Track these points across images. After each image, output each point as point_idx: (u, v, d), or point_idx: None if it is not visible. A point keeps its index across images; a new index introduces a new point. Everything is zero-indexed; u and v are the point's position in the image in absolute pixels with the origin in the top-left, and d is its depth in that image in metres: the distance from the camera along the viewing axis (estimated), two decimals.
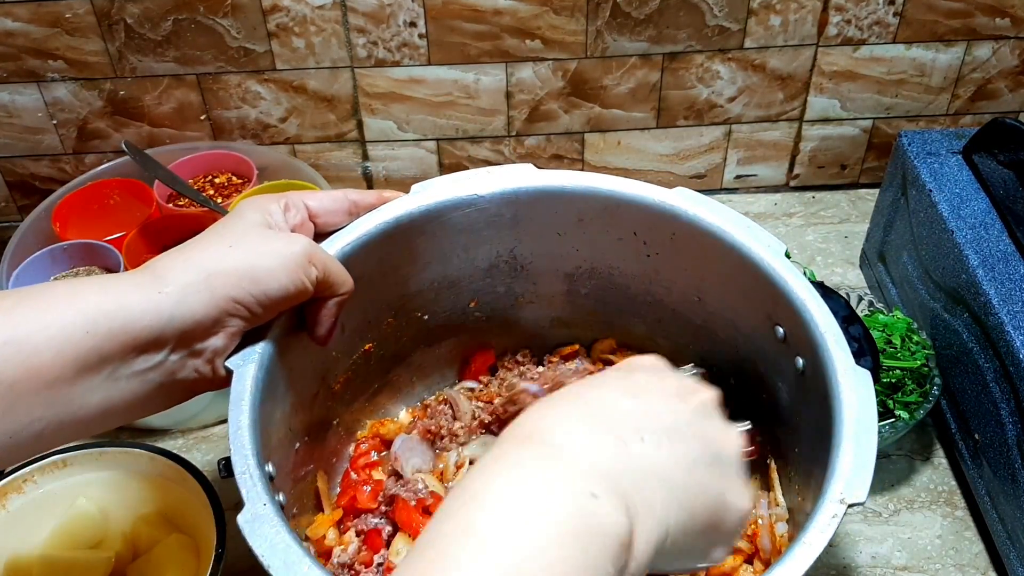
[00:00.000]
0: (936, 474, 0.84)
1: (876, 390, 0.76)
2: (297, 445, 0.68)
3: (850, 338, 0.60)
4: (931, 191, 0.84)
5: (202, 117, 1.02)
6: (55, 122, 1.02)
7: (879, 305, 0.87)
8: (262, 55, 0.98)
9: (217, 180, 0.99)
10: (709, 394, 0.50)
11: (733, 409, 0.75)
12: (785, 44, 1.00)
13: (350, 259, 0.66)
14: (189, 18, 0.95)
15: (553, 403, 0.46)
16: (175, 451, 0.74)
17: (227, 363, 0.58)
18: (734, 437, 0.49)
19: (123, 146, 0.93)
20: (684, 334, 0.77)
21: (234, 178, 0.99)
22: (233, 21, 0.95)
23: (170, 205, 0.95)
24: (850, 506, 0.51)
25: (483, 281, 0.78)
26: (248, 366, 0.58)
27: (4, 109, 1.00)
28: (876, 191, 0.99)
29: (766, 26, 0.99)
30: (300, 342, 0.64)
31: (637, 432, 0.44)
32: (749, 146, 1.09)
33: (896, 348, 0.81)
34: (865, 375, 0.57)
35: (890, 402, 0.78)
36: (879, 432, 0.76)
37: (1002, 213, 0.81)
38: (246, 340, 0.59)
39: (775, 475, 0.73)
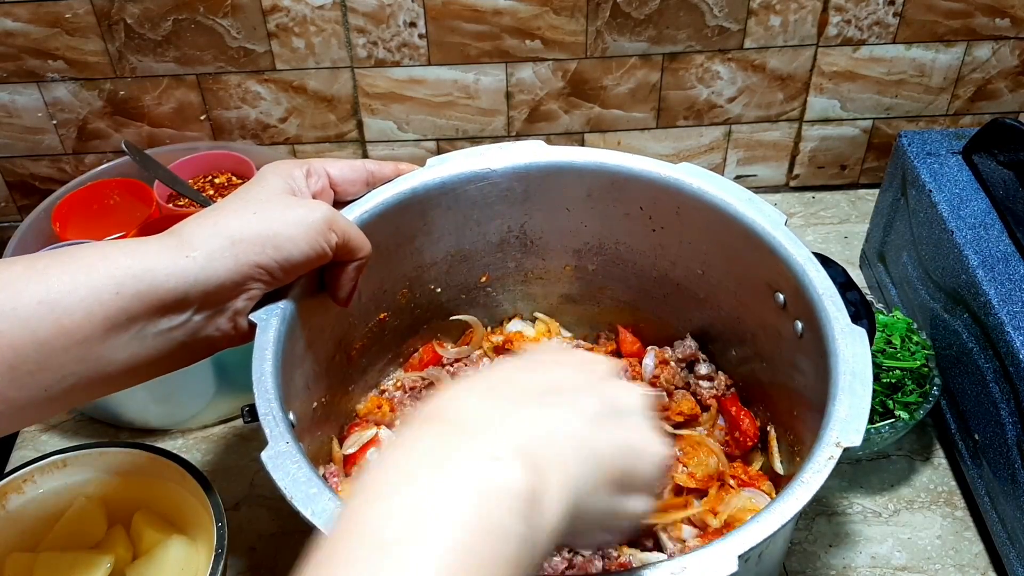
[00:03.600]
0: (936, 474, 0.84)
1: (876, 390, 0.77)
2: (315, 404, 0.70)
3: (847, 302, 0.62)
4: (931, 191, 0.84)
5: (202, 117, 1.03)
6: (55, 122, 1.02)
7: (879, 305, 0.87)
8: (262, 55, 0.98)
9: (217, 180, 0.99)
10: (609, 364, 0.51)
11: (735, 383, 0.77)
12: (785, 44, 1.00)
13: (367, 227, 0.67)
14: (189, 18, 0.95)
15: (456, 384, 0.46)
16: (175, 451, 0.74)
17: (251, 317, 0.60)
18: (637, 392, 0.49)
19: (123, 146, 0.93)
20: (688, 308, 0.79)
21: (234, 178, 0.99)
22: (233, 21, 0.95)
23: (170, 205, 0.95)
24: (845, 449, 0.53)
25: (494, 256, 0.80)
26: (271, 319, 0.61)
27: (4, 109, 1.00)
28: (876, 191, 0.99)
29: (766, 26, 0.99)
30: (320, 304, 0.66)
31: (537, 398, 0.45)
32: (749, 146, 1.09)
33: (896, 348, 0.81)
34: (861, 333, 0.60)
35: (890, 402, 0.78)
36: (879, 432, 0.77)
37: (1002, 213, 0.81)
38: (268, 297, 0.61)
39: (774, 442, 0.74)
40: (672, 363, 0.79)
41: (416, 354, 0.83)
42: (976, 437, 0.78)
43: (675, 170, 0.71)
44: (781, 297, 0.67)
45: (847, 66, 1.02)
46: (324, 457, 0.75)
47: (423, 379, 0.81)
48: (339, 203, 0.68)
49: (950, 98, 1.06)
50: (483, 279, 0.81)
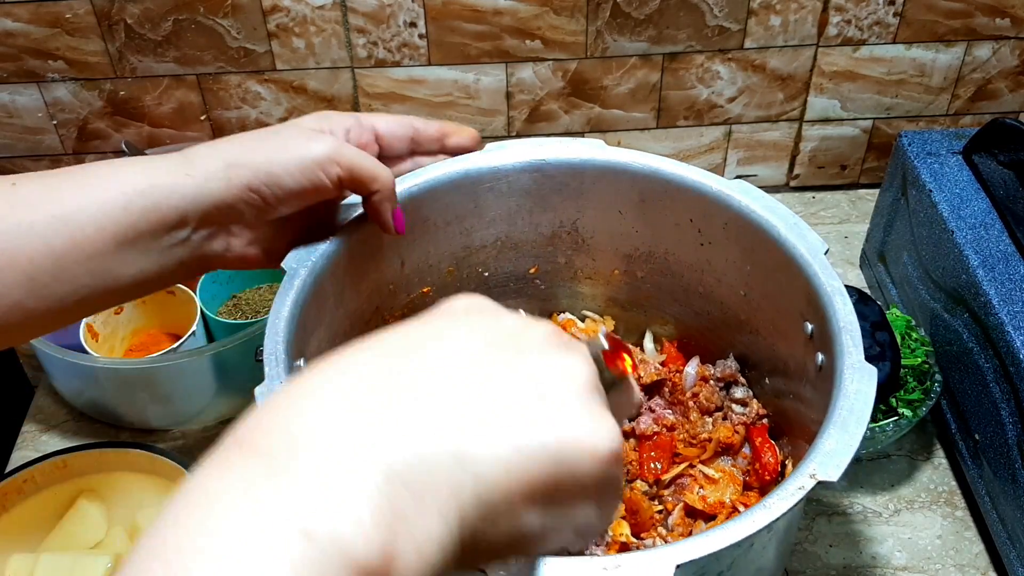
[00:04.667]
0: (936, 474, 0.84)
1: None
2: None
3: (875, 342, 0.60)
4: (931, 191, 0.84)
5: (202, 117, 1.03)
6: (55, 122, 1.02)
7: (877, 303, 0.87)
8: (262, 55, 0.98)
9: None
10: (540, 330, 0.40)
11: (768, 414, 0.76)
12: (785, 44, 1.00)
13: (416, 199, 0.69)
14: (189, 18, 0.95)
15: (301, 380, 0.35)
16: (175, 451, 0.74)
17: (283, 264, 0.63)
18: (573, 363, 0.38)
19: (123, 146, 0.93)
20: (730, 329, 0.77)
21: None
22: (233, 21, 0.95)
23: None
24: (820, 483, 0.52)
25: (545, 248, 0.79)
26: (300, 269, 0.62)
27: (4, 109, 1.00)
28: (876, 191, 0.99)
29: (766, 26, 0.99)
30: (358, 265, 0.67)
31: (416, 391, 0.34)
32: (749, 146, 1.09)
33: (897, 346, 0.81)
34: (871, 371, 0.58)
35: (892, 400, 0.78)
36: (883, 431, 0.77)
37: (1002, 213, 0.81)
38: (306, 243, 0.64)
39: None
40: (711, 382, 0.77)
41: None
42: (976, 437, 0.78)
43: (727, 185, 0.70)
44: (810, 327, 0.66)
45: (847, 66, 1.02)
46: None
47: None
48: (385, 158, 0.68)
49: (950, 98, 1.06)
50: (532, 270, 0.81)
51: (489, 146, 0.73)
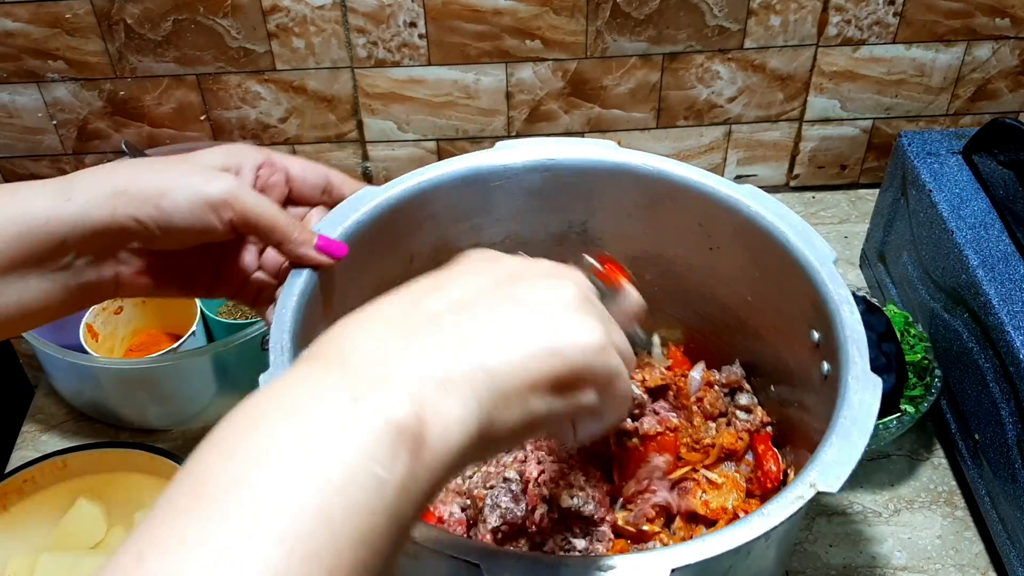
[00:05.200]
0: (936, 474, 0.84)
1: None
2: None
3: (881, 352, 0.60)
4: (931, 191, 0.84)
5: (202, 117, 1.03)
6: (55, 122, 1.02)
7: (873, 300, 0.86)
8: (262, 55, 0.98)
9: None
10: (535, 267, 0.49)
11: (772, 422, 0.76)
12: (785, 44, 1.00)
13: (426, 194, 0.69)
14: (189, 18, 0.95)
15: (354, 315, 0.44)
16: (175, 451, 0.74)
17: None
18: (561, 286, 0.46)
19: (123, 146, 0.93)
20: (734, 334, 0.77)
21: None
22: (233, 21, 0.95)
23: None
24: (819, 493, 0.51)
25: (555, 248, 0.78)
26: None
27: (4, 109, 1.00)
28: (876, 191, 0.99)
29: (766, 26, 0.99)
30: (364, 255, 0.67)
31: (440, 318, 0.43)
32: (749, 146, 1.09)
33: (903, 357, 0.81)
34: (876, 382, 0.58)
35: None
36: (887, 427, 0.77)
37: (1002, 213, 0.81)
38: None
39: None
40: (716, 387, 0.77)
41: None
42: (976, 437, 0.78)
43: (736, 190, 0.70)
44: (816, 336, 0.65)
45: (847, 66, 1.02)
46: None
47: None
48: (296, 203, 0.66)
49: (950, 98, 1.06)
50: None
51: (499, 144, 0.73)
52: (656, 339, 0.83)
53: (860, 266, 1.02)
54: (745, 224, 0.69)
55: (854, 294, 0.64)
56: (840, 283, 0.64)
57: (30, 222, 0.54)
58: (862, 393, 0.57)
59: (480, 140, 1.06)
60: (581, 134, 1.06)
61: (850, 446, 0.54)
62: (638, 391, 0.73)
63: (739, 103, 1.05)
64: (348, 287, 0.67)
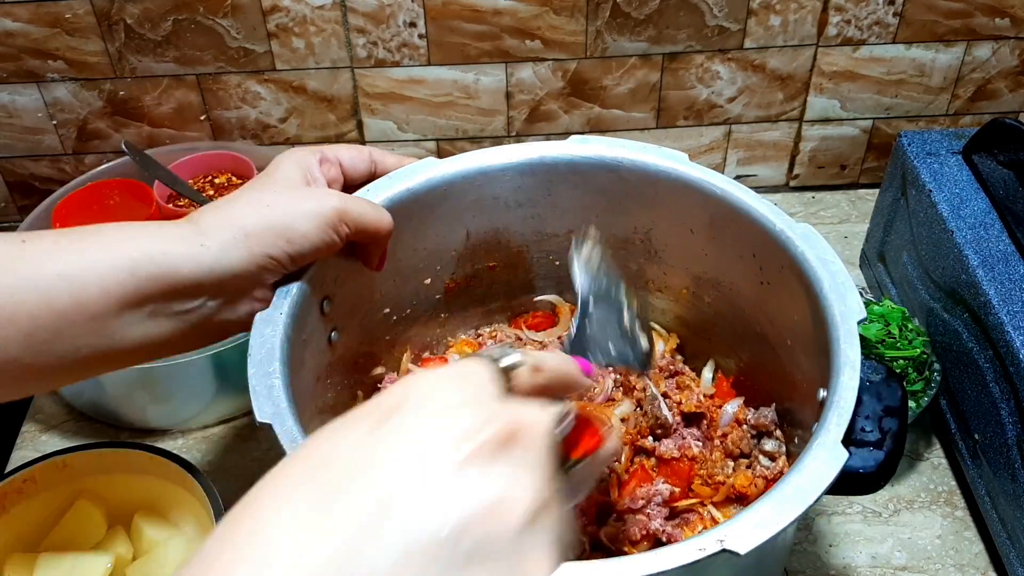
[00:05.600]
0: (936, 474, 0.84)
1: None
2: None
3: (879, 427, 0.55)
4: (931, 191, 0.84)
5: (202, 117, 1.03)
6: (55, 122, 1.02)
7: (869, 295, 0.86)
8: (262, 55, 0.98)
9: (217, 180, 0.99)
10: (535, 421, 0.40)
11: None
12: (785, 44, 1.00)
13: (487, 175, 0.71)
14: (189, 18, 0.95)
15: (268, 481, 0.40)
16: (175, 451, 0.74)
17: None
18: (458, 411, 0.39)
19: (123, 146, 0.93)
20: (775, 380, 0.73)
21: (234, 178, 0.99)
22: (233, 21, 0.95)
23: (170, 205, 0.95)
24: (725, 550, 0.48)
25: (618, 251, 0.77)
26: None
27: (4, 109, 1.00)
28: (876, 191, 0.99)
29: (766, 26, 0.99)
30: (416, 222, 0.70)
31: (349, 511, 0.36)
32: (749, 146, 1.09)
33: (895, 338, 0.81)
34: (840, 455, 0.54)
35: None
36: None
37: (1002, 213, 0.81)
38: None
39: None
40: (744, 427, 0.74)
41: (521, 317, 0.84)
42: (976, 437, 0.78)
43: (789, 226, 0.67)
44: (822, 394, 0.61)
45: (847, 66, 1.02)
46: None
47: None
48: (349, 188, 0.68)
49: (950, 98, 1.06)
50: None
51: (573, 138, 0.73)
52: (710, 364, 0.80)
53: (860, 266, 1.02)
54: (791, 264, 0.66)
55: (875, 357, 0.59)
56: (853, 344, 0.60)
57: (167, 264, 0.55)
58: (819, 463, 0.53)
59: (480, 140, 1.06)
60: (581, 134, 1.06)
61: (779, 514, 0.50)
62: (667, 412, 0.72)
63: (739, 103, 1.05)
64: (396, 248, 0.68)
